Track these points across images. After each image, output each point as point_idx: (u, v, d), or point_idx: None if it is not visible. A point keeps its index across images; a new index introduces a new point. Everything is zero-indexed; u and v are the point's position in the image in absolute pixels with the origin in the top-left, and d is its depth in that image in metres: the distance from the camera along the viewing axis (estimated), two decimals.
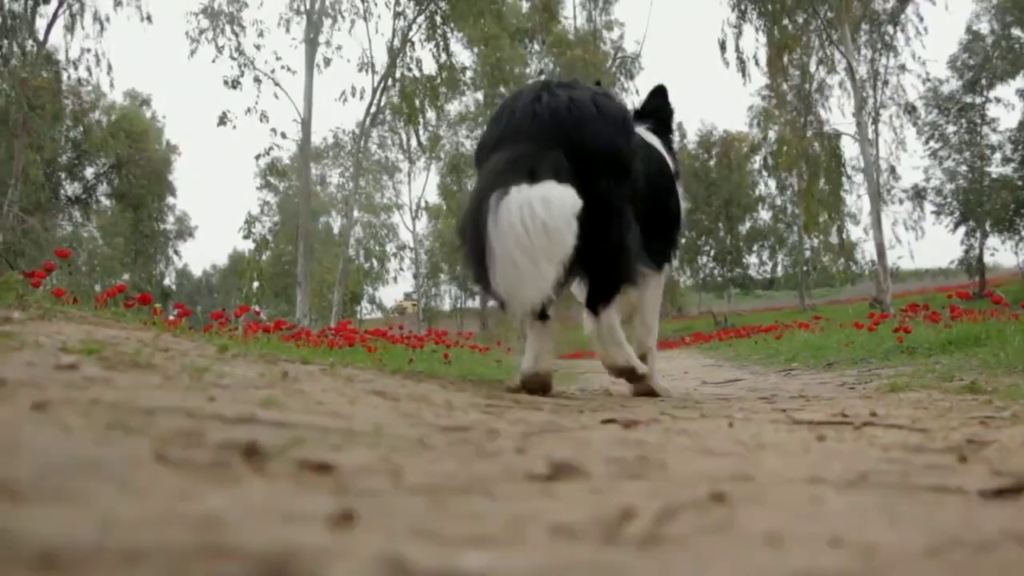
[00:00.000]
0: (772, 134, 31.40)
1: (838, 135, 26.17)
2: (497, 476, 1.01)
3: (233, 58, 21.35)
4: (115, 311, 3.60)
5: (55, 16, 21.55)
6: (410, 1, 22.12)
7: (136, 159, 35.49)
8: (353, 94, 22.14)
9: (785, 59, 23.47)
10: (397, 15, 22.27)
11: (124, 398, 1.21)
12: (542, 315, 2.94)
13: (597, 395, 3.10)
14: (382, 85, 22.07)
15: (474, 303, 42.20)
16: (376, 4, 22.25)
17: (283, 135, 21.58)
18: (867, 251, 32.25)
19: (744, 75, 23.76)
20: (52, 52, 23.14)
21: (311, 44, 20.77)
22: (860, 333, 7.72)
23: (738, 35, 23.60)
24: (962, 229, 30.04)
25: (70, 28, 21.97)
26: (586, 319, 3.09)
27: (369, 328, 8.54)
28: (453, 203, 38.31)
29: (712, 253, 42.62)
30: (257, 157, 23.32)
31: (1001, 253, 31.22)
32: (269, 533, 0.64)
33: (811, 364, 5.70)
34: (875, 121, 28.58)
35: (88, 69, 22.72)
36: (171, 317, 5.31)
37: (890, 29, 27.83)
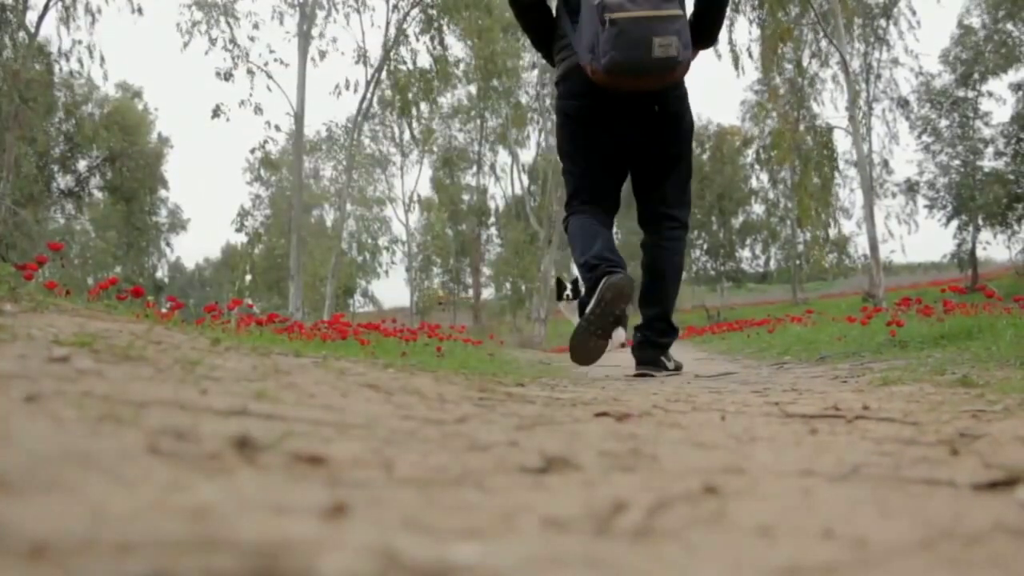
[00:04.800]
0: (765, 128, 31.47)
1: (830, 129, 26.23)
2: (489, 469, 1.02)
3: (227, 50, 21.31)
4: (107, 304, 3.59)
5: (46, 8, 21.47)
6: None
7: (129, 152, 35.40)
8: (347, 87, 22.13)
9: (779, 52, 23.46)
10: (393, 8, 22.25)
11: (116, 390, 1.21)
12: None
13: (590, 388, 3.11)
14: (376, 78, 22.04)
15: (467, 295, 42.24)
16: None
17: (276, 128, 21.56)
18: (860, 245, 32.36)
19: (737, 68, 23.79)
20: (44, 44, 23.07)
21: (304, 37, 20.72)
22: (853, 327, 7.74)
23: (731, 27, 23.60)
24: (955, 223, 30.11)
25: (63, 20, 21.90)
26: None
27: (362, 322, 8.55)
28: (445, 196, 38.31)
29: (705, 247, 42.65)
30: (252, 151, 23.35)
31: (993, 247, 31.33)
32: (261, 524, 0.64)
33: (803, 358, 5.71)
34: (868, 115, 28.65)
35: (80, 61, 22.67)
36: (164, 310, 5.30)
37: (883, 22, 27.89)
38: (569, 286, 4.16)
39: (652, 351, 4.11)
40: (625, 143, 3.96)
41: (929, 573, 0.64)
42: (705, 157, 42.01)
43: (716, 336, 15.61)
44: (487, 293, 42.14)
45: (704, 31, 3.91)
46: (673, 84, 3.77)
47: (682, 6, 3.60)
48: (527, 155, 36.04)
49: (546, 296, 27.02)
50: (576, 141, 4.00)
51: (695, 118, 4.26)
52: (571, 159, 4.08)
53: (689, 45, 3.60)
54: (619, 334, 3.87)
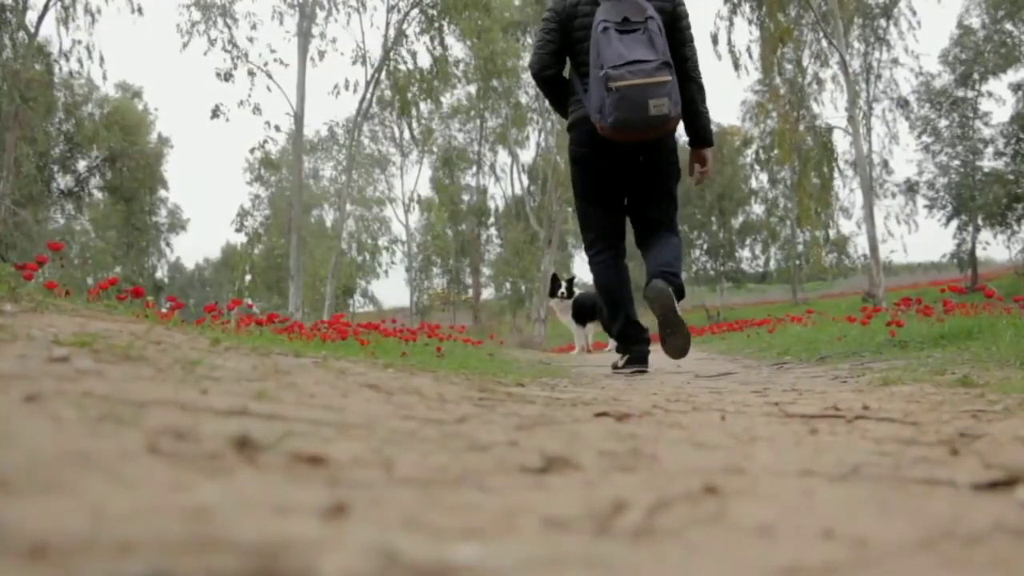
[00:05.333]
0: (765, 128, 31.46)
1: (830, 129, 26.22)
2: (490, 469, 1.02)
3: (226, 51, 21.28)
4: (107, 304, 3.59)
5: (46, 8, 21.44)
6: None
7: (129, 152, 35.35)
8: (347, 87, 22.13)
9: (779, 52, 23.46)
10: (391, 8, 22.24)
11: (116, 390, 1.21)
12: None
13: (590, 388, 3.10)
14: (375, 78, 22.03)
15: (467, 295, 42.24)
16: None
17: (276, 128, 21.51)
18: (860, 245, 32.34)
19: (737, 69, 23.79)
20: (44, 44, 23.05)
21: (304, 37, 20.70)
22: (852, 327, 7.72)
23: (730, 28, 23.60)
24: (954, 223, 30.05)
25: (62, 20, 21.87)
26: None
27: (362, 322, 8.54)
28: (445, 196, 38.28)
29: (705, 247, 42.60)
30: (252, 151, 23.32)
31: (993, 247, 31.23)
32: (261, 524, 0.64)
33: (803, 358, 5.70)
34: (868, 115, 28.64)
35: (80, 61, 22.62)
36: (163, 310, 5.30)
37: (883, 23, 27.88)
38: (564, 284, 4.20)
39: (661, 281, 4.43)
40: (623, 178, 4.73)
41: (929, 573, 0.64)
42: None
43: (716, 336, 15.58)
44: (487, 293, 42.17)
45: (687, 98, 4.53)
46: (667, 134, 4.53)
47: (671, 72, 4.24)
48: (527, 155, 36.06)
49: (546, 296, 27.07)
50: (586, 178, 4.78)
51: None
52: (583, 194, 4.86)
53: (679, 103, 4.31)
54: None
